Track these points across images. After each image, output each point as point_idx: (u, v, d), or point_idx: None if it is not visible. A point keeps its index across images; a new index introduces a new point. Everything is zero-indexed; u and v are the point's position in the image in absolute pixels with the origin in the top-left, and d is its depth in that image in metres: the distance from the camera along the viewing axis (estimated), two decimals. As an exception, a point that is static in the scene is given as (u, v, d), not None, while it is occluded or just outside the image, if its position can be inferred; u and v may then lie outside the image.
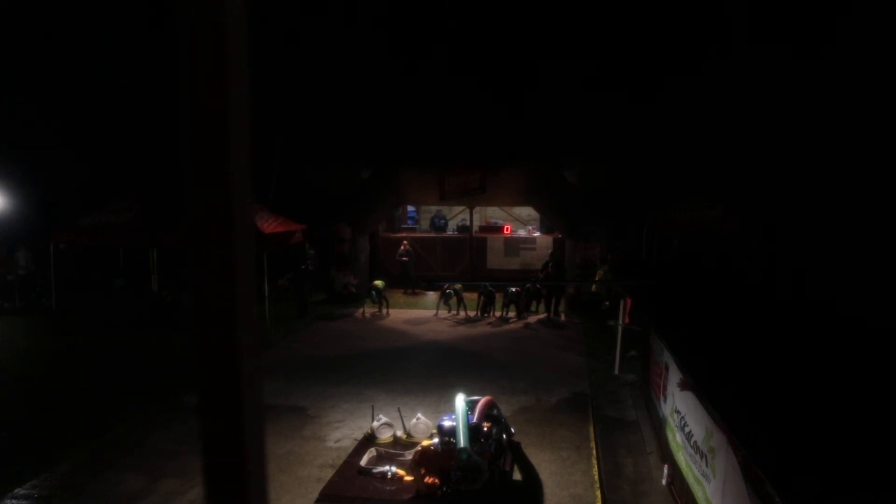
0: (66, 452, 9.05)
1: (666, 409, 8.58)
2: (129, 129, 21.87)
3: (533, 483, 8.13)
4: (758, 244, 18.33)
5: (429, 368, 13.00)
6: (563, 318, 17.89)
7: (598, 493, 7.83)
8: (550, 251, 20.05)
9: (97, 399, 11.30)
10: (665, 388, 8.74)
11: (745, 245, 18.45)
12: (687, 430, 7.29)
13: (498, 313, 18.03)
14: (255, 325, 0.99)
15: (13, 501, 7.71)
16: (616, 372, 12.66)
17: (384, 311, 18.61)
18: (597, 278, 17.89)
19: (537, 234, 23.48)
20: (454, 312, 18.39)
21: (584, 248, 19.08)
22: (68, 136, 22.00)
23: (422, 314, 18.55)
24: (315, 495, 7.74)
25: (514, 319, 17.68)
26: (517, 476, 8.33)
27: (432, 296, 20.72)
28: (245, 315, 0.97)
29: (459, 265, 22.74)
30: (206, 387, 1.00)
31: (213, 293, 0.96)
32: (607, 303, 16.19)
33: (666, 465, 8.17)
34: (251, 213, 0.97)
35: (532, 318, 17.82)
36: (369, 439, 9.28)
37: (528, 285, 18.20)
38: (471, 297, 18.35)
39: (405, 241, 21.79)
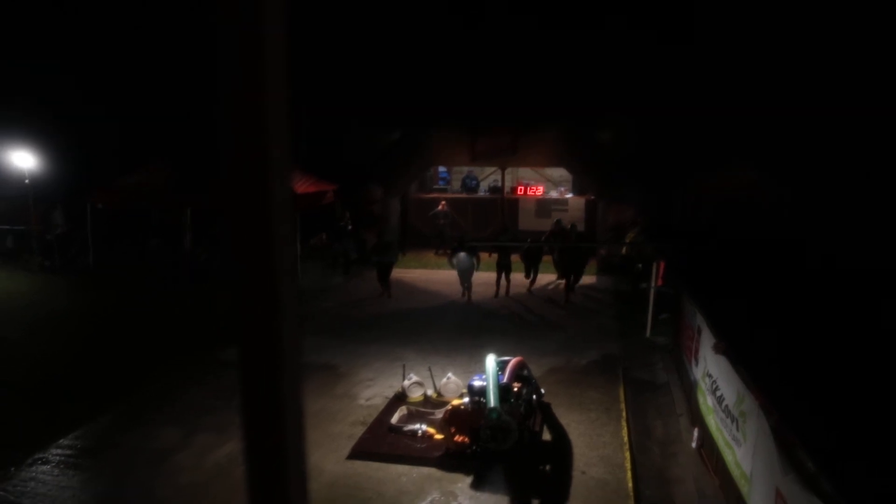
0: (106, 406, 9.32)
1: (697, 372, 8.54)
2: (164, 90, 21.98)
3: (562, 443, 8.21)
4: (797, 211, 17.97)
5: (459, 329, 13.08)
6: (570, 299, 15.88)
7: (627, 454, 7.86)
8: (556, 220, 18.85)
9: (134, 355, 11.59)
10: (696, 352, 8.70)
11: (782, 211, 18.11)
12: (718, 393, 7.26)
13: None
14: (296, 283, 1.00)
15: (58, 451, 7.98)
16: (647, 335, 12.61)
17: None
18: (627, 241, 17.73)
19: (569, 195, 23.28)
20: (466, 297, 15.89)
21: (617, 210, 18.88)
22: (104, 97, 22.19)
23: (453, 275, 18.58)
24: (347, 452, 7.91)
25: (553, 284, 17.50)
26: (546, 436, 8.42)
27: (464, 257, 20.74)
28: (286, 276, 0.98)
29: (490, 226, 22.69)
30: (247, 343, 1.01)
31: (254, 252, 0.97)
32: (640, 265, 16.05)
33: (696, 428, 8.17)
34: (290, 172, 0.97)
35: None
36: (400, 398, 9.44)
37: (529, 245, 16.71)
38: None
39: (443, 202, 21.69)
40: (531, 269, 16.70)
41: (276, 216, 0.96)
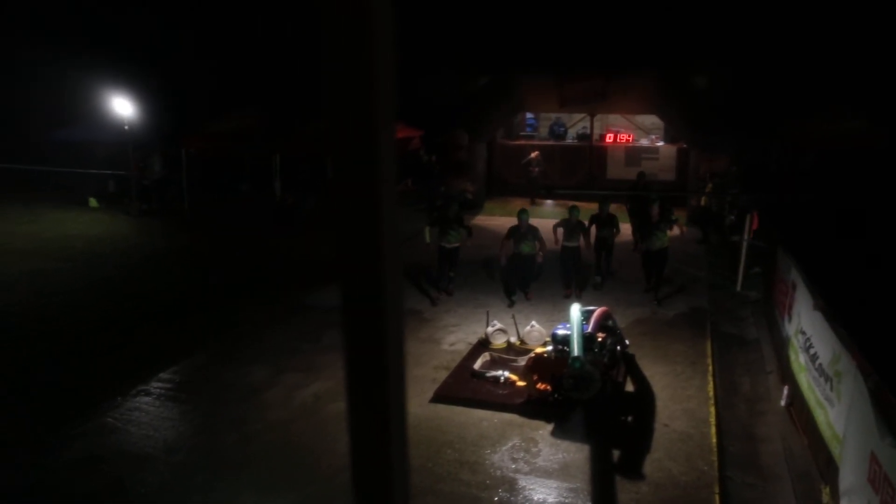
0: (201, 343, 9.84)
1: (790, 328, 8.27)
2: (256, 35, 22.35)
3: (645, 395, 8.15)
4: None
5: (544, 277, 13.02)
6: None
7: (713, 409, 7.75)
8: (639, 171, 18.13)
9: (227, 295, 12.11)
10: (790, 308, 8.40)
11: (891, 161, 16.99)
12: (812, 351, 7.02)
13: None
14: (398, 226, 1.02)
15: (158, 384, 8.51)
16: (738, 289, 12.23)
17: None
18: (706, 191, 17.10)
19: (661, 143, 22.55)
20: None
21: (709, 159, 18.17)
22: (198, 44, 22.75)
23: (540, 223, 18.43)
24: (430, 395, 8.10)
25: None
26: (629, 387, 8.38)
27: (551, 205, 20.55)
28: (389, 217, 1.00)
29: (577, 174, 22.28)
30: (349, 287, 1.04)
31: (357, 195, 0.99)
32: (733, 217, 15.49)
33: (786, 387, 7.94)
34: (393, 119, 0.98)
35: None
36: (483, 344, 9.55)
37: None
38: (588, 206, 17.90)
39: (536, 152, 21.35)
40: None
41: (382, 158, 0.98)
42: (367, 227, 1.02)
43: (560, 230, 11.99)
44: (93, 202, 20.60)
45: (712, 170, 17.98)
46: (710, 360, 9.17)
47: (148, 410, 7.82)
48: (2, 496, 6.17)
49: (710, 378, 8.61)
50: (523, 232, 11.60)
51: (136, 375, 8.62)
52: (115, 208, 20.11)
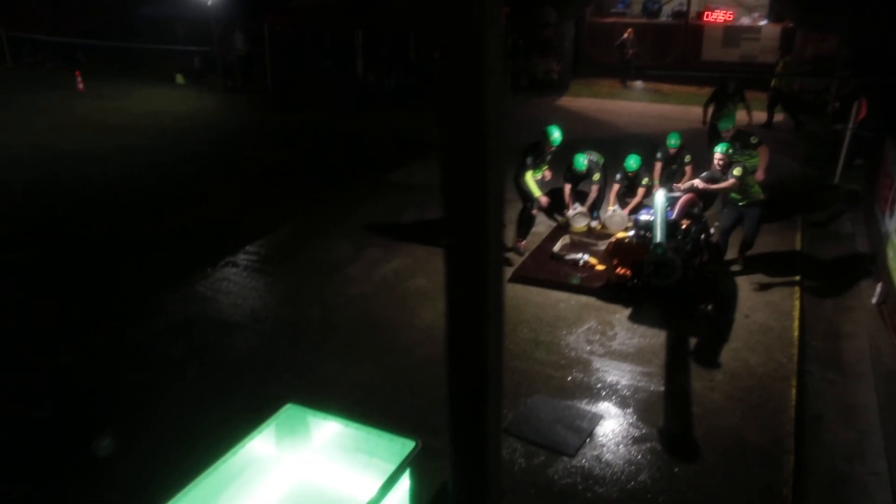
0: (285, 217, 10.12)
1: (890, 224, 7.83)
2: None
3: (726, 285, 7.99)
4: None
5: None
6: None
7: (797, 302, 7.54)
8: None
9: (310, 172, 12.33)
10: (893, 203, 7.93)
11: None
12: (913, 248, 6.66)
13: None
14: (502, 100, 0.97)
15: (245, 256, 8.87)
16: (836, 181, 11.60)
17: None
18: (777, 71, 15.90)
19: (763, 22, 21.00)
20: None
21: (817, 39, 16.86)
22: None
23: (627, 106, 17.79)
24: (508, 275, 8.18)
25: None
26: (711, 276, 8.21)
27: (641, 87, 19.71)
28: (493, 92, 0.95)
29: (670, 55, 21.14)
30: (452, 161, 1.01)
31: (463, 72, 0.95)
32: (837, 103, 14.47)
33: (879, 284, 7.61)
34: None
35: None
36: (563, 227, 9.48)
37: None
38: (679, 89, 17.13)
39: (629, 29, 20.28)
40: None
41: (488, 32, 0.92)
42: (472, 108, 0.98)
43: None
44: (179, 79, 20.98)
45: (819, 52, 16.72)
46: (798, 251, 8.88)
47: (235, 281, 8.19)
48: (105, 355, 6.68)
49: (797, 269, 8.35)
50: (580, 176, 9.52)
51: (224, 248, 8.99)
52: (200, 85, 20.44)
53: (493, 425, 1.15)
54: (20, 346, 6.79)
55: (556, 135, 8.62)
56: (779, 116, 15.85)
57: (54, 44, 23.27)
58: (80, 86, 19.28)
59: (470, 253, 1.03)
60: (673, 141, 9.49)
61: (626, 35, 20.01)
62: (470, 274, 1.04)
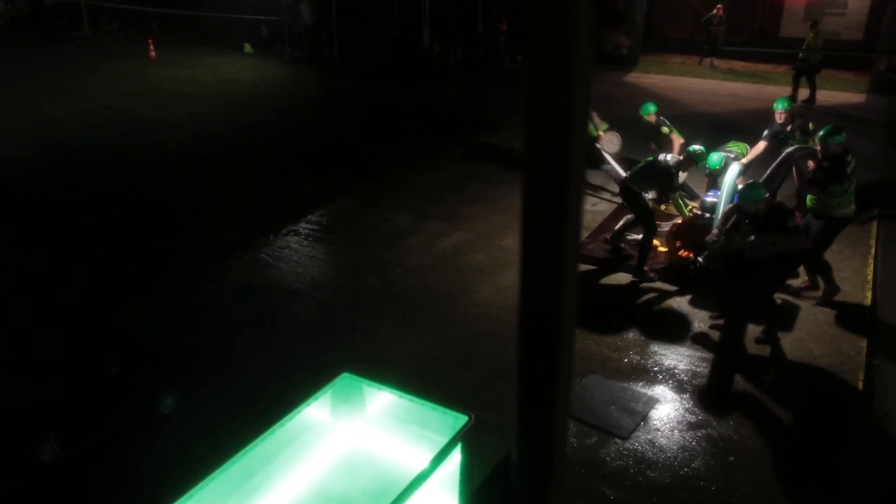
0: (347, 188, 10.23)
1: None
2: None
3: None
4: None
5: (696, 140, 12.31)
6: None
7: (869, 293, 7.27)
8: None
9: (375, 142, 12.40)
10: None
11: None
12: None
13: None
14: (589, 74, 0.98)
15: (307, 225, 9.00)
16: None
17: None
18: (804, 45, 15.09)
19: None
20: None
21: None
22: None
23: (698, 83, 17.27)
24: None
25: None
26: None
27: (720, 63, 19.05)
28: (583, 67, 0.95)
29: (746, 31, 20.36)
30: (534, 132, 1.02)
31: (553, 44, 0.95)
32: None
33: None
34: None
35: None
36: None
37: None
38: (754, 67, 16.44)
39: (719, 6, 19.37)
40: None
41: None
42: (559, 80, 0.99)
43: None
44: (248, 48, 21.28)
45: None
46: (873, 242, 8.51)
47: (297, 249, 8.34)
48: (169, 315, 6.91)
49: (870, 260, 8.03)
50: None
51: (286, 217, 9.16)
52: (268, 54, 20.70)
53: (562, 403, 1.17)
54: (94, 303, 7.09)
55: (714, 158, 7.92)
56: (861, 97, 15.14)
57: (129, 12, 23.88)
58: (153, 54, 19.77)
59: (548, 232, 1.04)
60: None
61: (715, 11, 19.24)
62: (547, 251, 1.05)
